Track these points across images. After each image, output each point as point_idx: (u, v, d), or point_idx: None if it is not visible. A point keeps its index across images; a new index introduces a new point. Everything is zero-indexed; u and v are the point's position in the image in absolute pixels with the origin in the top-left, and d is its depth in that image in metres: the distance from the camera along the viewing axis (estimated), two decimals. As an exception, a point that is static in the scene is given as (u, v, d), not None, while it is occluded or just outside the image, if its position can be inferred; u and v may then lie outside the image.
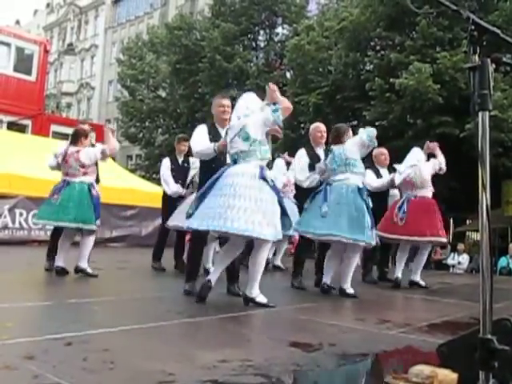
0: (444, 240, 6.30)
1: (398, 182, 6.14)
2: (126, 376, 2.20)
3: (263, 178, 4.06)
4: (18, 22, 49.38)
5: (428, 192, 6.13)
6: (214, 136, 4.65)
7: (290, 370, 2.40)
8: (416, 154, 6.21)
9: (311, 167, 5.60)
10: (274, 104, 4.24)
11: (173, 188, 6.98)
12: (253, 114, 4.23)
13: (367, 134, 5.06)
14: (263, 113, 4.23)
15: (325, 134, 5.86)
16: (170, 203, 6.95)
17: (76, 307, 3.95)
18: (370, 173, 6.34)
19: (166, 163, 7.19)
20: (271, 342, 2.93)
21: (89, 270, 5.68)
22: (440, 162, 6.20)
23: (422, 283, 6.19)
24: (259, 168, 4.09)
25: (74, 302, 4.08)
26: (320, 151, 5.77)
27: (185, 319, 3.54)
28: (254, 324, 3.60)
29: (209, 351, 2.64)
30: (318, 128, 5.94)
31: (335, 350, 2.84)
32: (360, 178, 5.16)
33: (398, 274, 6.10)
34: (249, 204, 3.89)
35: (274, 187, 4.16)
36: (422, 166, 6.08)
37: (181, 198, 6.84)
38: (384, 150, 6.72)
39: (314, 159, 5.63)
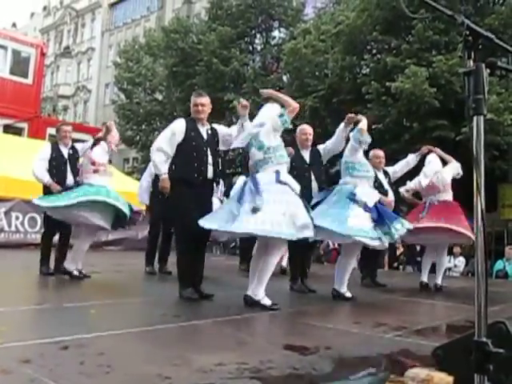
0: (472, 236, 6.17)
1: (424, 184, 6.47)
2: (123, 380, 2.20)
3: (279, 182, 4.25)
4: (14, 25, 49.35)
5: (449, 195, 6.49)
6: (194, 132, 4.59)
7: (287, 373, 2.41)
8: (436, 160, 6.61)
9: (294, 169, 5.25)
10: (283, 106, 4.53)
11: (143, 200, 7.07)
12: (267, 122, 4.48)
13: (353, 138, 5.28)
14: (270, 119, 4.46)
15: (310, 137, 5.78)
16: (157, 207, 6.95)
17: (72, 311, 3.94)
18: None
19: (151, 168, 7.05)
20: (267, 345, 2.93)
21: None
22: (457, 166, 6.57)
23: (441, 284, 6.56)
24: (275, 173, 4.28)
25: (70, 306, 4.08)
26: (306, 154, 5.71)
27: (181, 323, 3.54)
28: (250, 327, 3.61)
29: (205, 354, 2.64)
30: (304, 130, 5.84)
31: (331, 353, 2.85)
32: (361, 181, 5.18)
33: (424, 278, 6.57)
34: (267, 207, 4.03)
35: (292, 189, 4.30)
36: (444, 170, 6.51)
37: None
38: (379, 153, 6.59)
39: (298, 161, 5.53)
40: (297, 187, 4.41)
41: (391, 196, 6.41)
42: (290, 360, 2.62)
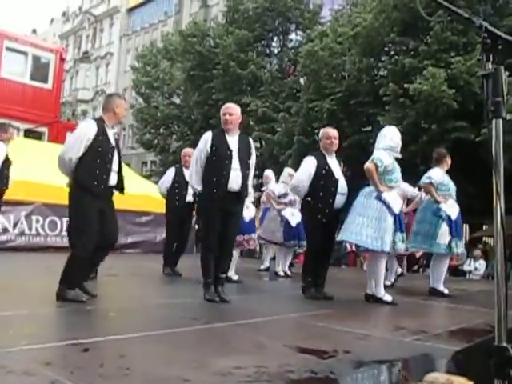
0: None
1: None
2: (142, 382, 2.22)
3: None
4: (34, 31, 50.11)
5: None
6: (102, 134, 4.29)
7: (305, 376, 2.40)
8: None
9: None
10: None
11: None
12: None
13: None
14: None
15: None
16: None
17: (92, 314, 3.98)
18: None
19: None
20: (286, 348, 2.93)
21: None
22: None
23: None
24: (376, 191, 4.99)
25: (91, 309, 4.11)
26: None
27: (200, 325, 3.55)
28: (268, 331, 3.61)
29: (224, 358, 2.65)
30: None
31: (350, 356, 2.84)
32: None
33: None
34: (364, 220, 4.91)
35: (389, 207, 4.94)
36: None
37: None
38: (330, 133, 5.42)
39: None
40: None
41: (344, 187, 5.32)
42: (309, 364, 2.61)
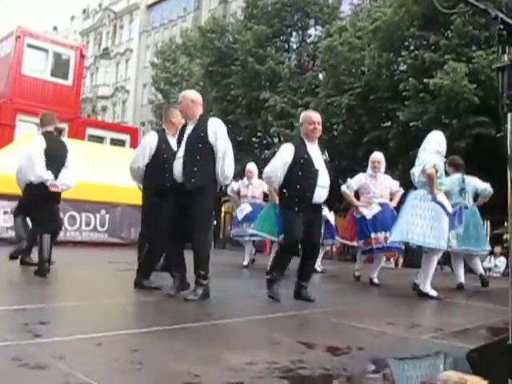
0: None
1: None
2: (154, 377, 2.22)
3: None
4: (55, 28, 50.63)
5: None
6: (164, 142, 4.87)
7: (317, 373, 2.39)
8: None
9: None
10: None
11: None
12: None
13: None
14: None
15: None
16: None
17: (108, 308, 4.01)
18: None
19: None
20: (298, 344, 2.91)
21: None
22: None
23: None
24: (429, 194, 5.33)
25: (105, 303, 4.15)
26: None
27: (213, 321, 3.56)
28: (281, 326, 3.59)
29: (236, 353, 2.64)
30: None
31: (364, 354, 2.81)
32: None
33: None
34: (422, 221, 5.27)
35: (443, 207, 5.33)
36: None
37: None
38: (314, 118, 4.78)
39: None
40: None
41: (325, 179, 4.67)
42: (321, 360, 2.60)
